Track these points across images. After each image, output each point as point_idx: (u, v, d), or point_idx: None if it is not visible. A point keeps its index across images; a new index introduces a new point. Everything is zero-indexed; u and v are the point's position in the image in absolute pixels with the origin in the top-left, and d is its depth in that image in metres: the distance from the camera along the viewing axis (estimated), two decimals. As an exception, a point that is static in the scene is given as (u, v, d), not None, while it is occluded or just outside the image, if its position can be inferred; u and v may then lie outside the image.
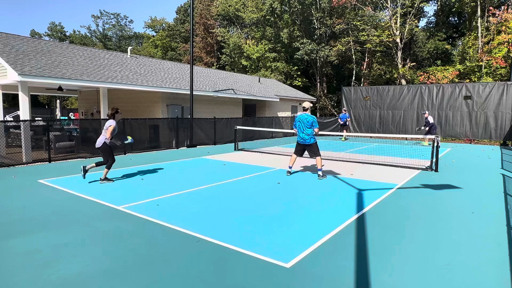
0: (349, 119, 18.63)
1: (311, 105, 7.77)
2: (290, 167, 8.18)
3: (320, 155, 7.82)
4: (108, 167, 7.11)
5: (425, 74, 26.51)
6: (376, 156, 11.48)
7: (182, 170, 8.71)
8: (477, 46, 24.85)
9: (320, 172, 7.79)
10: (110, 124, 6.93)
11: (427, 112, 14.80)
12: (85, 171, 7.07)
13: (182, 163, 9.90)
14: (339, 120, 18.59)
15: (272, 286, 3.04)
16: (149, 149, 12.94)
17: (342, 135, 18.46)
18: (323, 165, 8.46)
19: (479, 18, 24.97)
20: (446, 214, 5.20)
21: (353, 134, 17.19)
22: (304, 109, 7.89)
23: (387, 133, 19.23)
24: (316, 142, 7.87)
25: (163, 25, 54.23)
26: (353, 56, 31.91)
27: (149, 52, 48.29)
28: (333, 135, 20.86)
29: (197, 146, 14.58)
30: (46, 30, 61.26)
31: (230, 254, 3.67)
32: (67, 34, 57.40)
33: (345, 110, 18.92)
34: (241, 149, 13.48)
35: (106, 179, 7.11)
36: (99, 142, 7.02)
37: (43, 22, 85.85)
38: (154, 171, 8.56)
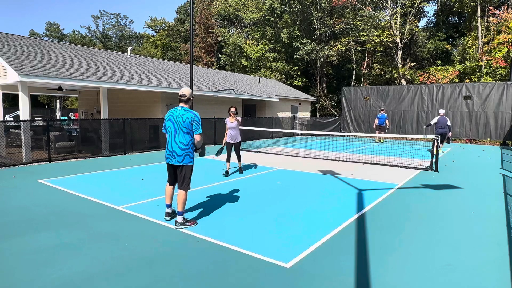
0: (387, 120, 16.89)
1: (191, 91, 4.68)
2: (169, 206, 4.78)
3: (188, 189, 4.53)
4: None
5: (425, 74, 26.52)
6: (376, 156, 11.48)
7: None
8: (477, 46, 24.85)
9: (180, 218, 4.45)
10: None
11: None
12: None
13: (182, 163, 9.89)
14: (376, 121, 17.03)
15: (272, 286, 3.04)
16: (149, 149, 12.94)
17: (378, 137, 17.61)
18: (170, 208, 4.83)
19: (479, 18, 24.97)
20: (446, 214, 5.20)
21: (353, 134, 17.21)
22: (182, 99, 4.60)
23: (387, 133, 19.22)
24: (192, 164, 4.57)
25: (163, 25, 54.23)
26: (353, 56, 31.91)
27: (149, 52, 48.29)
28: (333, 135, 20.86)
29: (197, 146, 14.56)
30: (43, 30, 61.25)
31: (230, 254, 3.67)
32: (65, 33, 57.49)
33: (382, 110, 17.14)
34: (241, 149, 13.46)
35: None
36: (237, 138, 8.22)
37: (43, 22, 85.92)
38: (154, 171, 8.56)
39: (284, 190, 6.65)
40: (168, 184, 4.80)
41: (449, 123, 12.56)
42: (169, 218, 4.76)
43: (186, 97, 4.58)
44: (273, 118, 19.97)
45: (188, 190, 4.56)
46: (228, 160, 8.24)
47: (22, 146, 9.80)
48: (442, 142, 12.59)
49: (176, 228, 4.44)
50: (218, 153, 7.96)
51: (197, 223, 4.62)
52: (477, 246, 3.98)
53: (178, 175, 4.57)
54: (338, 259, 3.59)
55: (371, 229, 4.48)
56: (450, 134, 12.73)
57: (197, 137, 4.53)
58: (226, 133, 8.18)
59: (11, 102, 37.53)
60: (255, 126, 17.61)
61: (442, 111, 12.91)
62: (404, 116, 19.24)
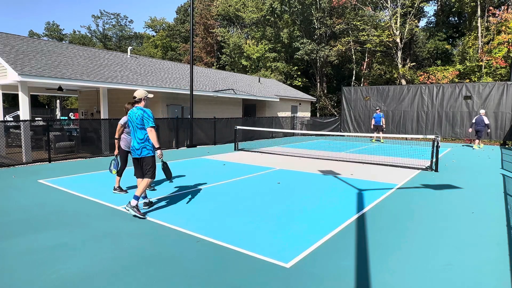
0: (383, 119, 17.34)
1: (147, 93, 5.05)
2: (145, 196, 5.33)
3: (152, 179, 4.96)
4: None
5: (425, 74, 26.51)
6: (376, 156, 11.48)
7: (181, 170, 8.71)
8: (477, 46, 24.84)
9: (134, 202, 4.77)
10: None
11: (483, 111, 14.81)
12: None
13: (182, 163, 9.90)
14: (372, 121, 17.51)
15: (272, 286, 3.03)
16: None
17: (375, 136, 17.61)
18: (146, 198, 5.37)
19: (479, 18, 24.96)
20: (446, 214, 5.20)
21: (353, 134, 17.21)
22: (135, 101, 5.05)
23: (387, 133, 19.23)
24: (153, 155, 5.00)
25: (163, 25, 54.23)
26: (353, 56, 31.91)
27: (149, 52, 48.28)
28: (333, 135, 20.87)
29: (197, 146, 14.58)
30: (43, 30, 61.28)
31: (230, 254, 3.67)
32: (65, 33, 57.51)
33: (378, 110, 17.62)
34: (241, 149, 13.48)
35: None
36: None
37: (42, 22, 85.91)
38: (154, 171, 8.55)
39: (284, 190, 6.65)
40: (136, 177, 5.25)
41: (486, 122, 14.31)
42: (147, 207, 5.29)
43: (137, 99, 5.05)
44: (273, 118, 19.97)
45: (153, 180, 5.05)
46: (120, 174, 6.21)
47: (22, 146, 9.80)
48: (479, 138, 14.97)
49: (125, 208, 4.91)
50: (112, 167, 6.07)
51: (146, 218, 4.82)
52: (477, 246, 3.98)
53: (141, 167, 5.10)
54: (338, 259, 3.59)
55: (371, 229, 4.48)
56: (489, 130, 15.03)
57: (148, 130, 4.86)
58: (118, 138, 6.29)
59: (11, 102, 37.52)
60: (255, 126, 17.61)
61: (482, 111, 14.55)
62: (404, 116, 19.24)
